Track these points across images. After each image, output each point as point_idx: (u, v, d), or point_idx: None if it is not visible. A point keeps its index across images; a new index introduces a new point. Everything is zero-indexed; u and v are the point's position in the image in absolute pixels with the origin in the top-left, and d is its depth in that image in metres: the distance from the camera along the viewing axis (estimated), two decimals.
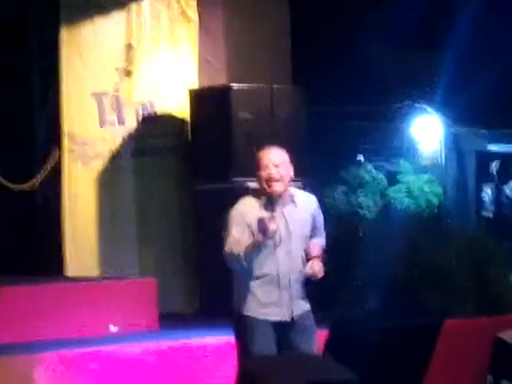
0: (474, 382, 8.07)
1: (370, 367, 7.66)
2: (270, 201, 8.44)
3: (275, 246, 8.46)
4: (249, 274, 8.54)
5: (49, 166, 12.95)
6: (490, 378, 7.91)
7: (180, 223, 13.15)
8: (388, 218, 13.03)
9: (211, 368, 9.85)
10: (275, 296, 8.51)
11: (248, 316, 8.50)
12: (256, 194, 8.67)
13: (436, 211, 13.87)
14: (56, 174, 12.93)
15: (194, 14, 13.36)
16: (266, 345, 8.37)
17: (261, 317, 8.44)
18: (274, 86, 12.73)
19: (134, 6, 13.31)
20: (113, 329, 11.75)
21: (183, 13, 13.35)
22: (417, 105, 14.71)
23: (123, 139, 13.14)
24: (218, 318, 11.38)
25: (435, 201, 13.83)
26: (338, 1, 13.82)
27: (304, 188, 9.10)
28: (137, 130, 13.18)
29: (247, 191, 10.40)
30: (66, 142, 12.94)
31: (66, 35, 13.13)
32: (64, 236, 12.81)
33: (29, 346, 9.59)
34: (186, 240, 13.07)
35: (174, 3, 13.42)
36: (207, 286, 12.66)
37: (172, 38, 13.39)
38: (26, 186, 12.75)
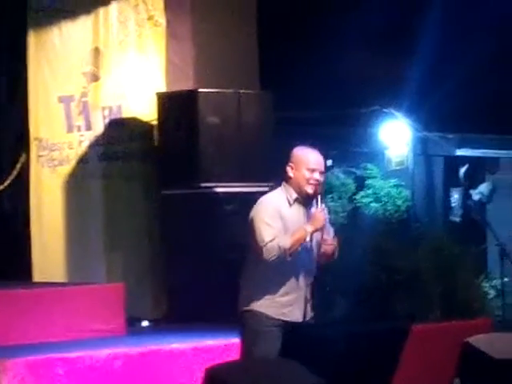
0: None
1: (336, 372, 7.52)
2: (303, 200, 8.53)
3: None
4: (274, 268, 8.44)
5: (15, 171, 12.97)
6: (457, 381, 7.95)
7: (147, 228, 13.06)
8: (356, 223, 13.18)
9: (178, 374, 9.81)
10: (293, 296, 8.50)
11: (258, 311, 8.44)
12: (285, 189, 8.63)
13: (404, 216, 13.98)
14: (23, 179, 13.01)
15: (161, 18, 13.28)
16: (272, 343, 8.30)
17: (275, 315, 8.39)
18: (241, 90, 12.73)
19: (101, 11, 13.30)
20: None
21: (151, 17, 13.27)
22: (385, 110, 14.84)
23: (90, 144, 13.15)
24: (186, 323, 11.83)
25: (403, 205, 14.10)
26: (305, 6, 13.81)
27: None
28: (104, 134, 13.15)
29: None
30: (33, 147, 13.06)
31: (32, 39, 13.22)
32: (31, 241, 12.90)
33: None
34: (153, 245, 13.02)
35: (141, 8, 13.35)
36: (174, 290, 12.59)
37: (139, 42, 13.34)
38: (4, 189, 12.83)
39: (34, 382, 9.13)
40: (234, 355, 9.14)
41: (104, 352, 9.87)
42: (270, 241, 8.27)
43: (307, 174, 8.44)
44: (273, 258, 8.27)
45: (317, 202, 8.53)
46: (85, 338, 10.70)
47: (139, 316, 12.15)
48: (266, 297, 8.43)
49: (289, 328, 8.38)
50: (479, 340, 8.26)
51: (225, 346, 10.01)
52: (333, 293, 10.47)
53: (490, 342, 8.28)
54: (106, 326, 11.16)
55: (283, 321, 8.40)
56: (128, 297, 11.63)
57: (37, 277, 12.70)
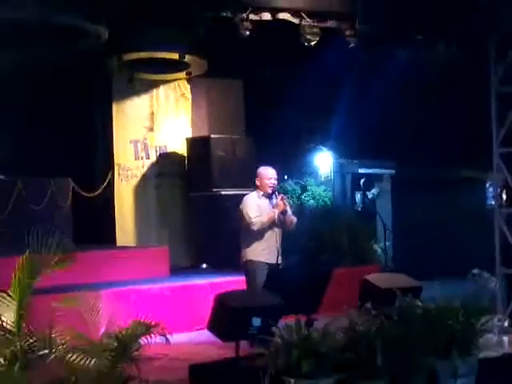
0: (349, 305, 7.84)
1: (290, 294, 7.42)
2: (266, 195, 8.67)
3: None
4: (257, 233, 8.56)
5: (105, 183, 12.69)
6: (359, 302, 7.33)
7: (182, 214, 13.05)
8: (302, 212, 12.73)
9: (201, 298, 9.64)
10: (270, 249, 8.61)
11: (254, 260, 8.57)
12: (257, 191, 8.74)
13: (329, 207, 13.82)
14: (110, 187, 12.80)
15: (188, 95, 13.30)
16: (262, 275, 8.38)
17: (262, 260, 8.56)
18: (234, 136, 12.74)
19: (155, 90, 13.14)
20: (204, 266, 12.28)
21: (182, 95, 13.26)
22: (318, 147, 14.60)
23: (148, 167, 13.09)
24: (205, 269, 12.06)
25: (328, 201, 13.93)
26: (271, 92, 13.26)
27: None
28: (156, 162, 13.11)
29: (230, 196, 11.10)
30: (116, 169, 12.85)
31: (115, 105, 12.91)
32: (116, 222, 12.78)
33: (94, 286, 9.19)
34: (185, 223, 12.98)
35: (177, 89, 13.24)
36: (198, 249, 12.59)
37: (176, 108, 13.28)
38: (92, 194, 12.41)
39: (117, 305, 8.68)
40: (233, 287, 8.95)
41: (157, 285, 9.98)
42: (254, 218, 8.49)
43: (267, 182, 8.66)
44: (256, 228, 8.50)
45: (276, 196, 8.67)
46: (147, 278, 10.50)
47: (177, 264, 11.89)
48: (255, 250, 8.60)
49: (269, 267, 8.52)
50: (372, 277, 8.37)
51: (227, 282, 9.88)
52: (290, 249, 9.85)
53: (378, 279, 8.35)
54: (158, 271, 11.04)
55: (266, 263, 8.55)
56: (170, 253, 11.56)
57: (119, 243, 12.58)
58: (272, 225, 8.63)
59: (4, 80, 11.16)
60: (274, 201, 8.66)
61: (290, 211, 8.73)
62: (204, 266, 12.37)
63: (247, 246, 8.64)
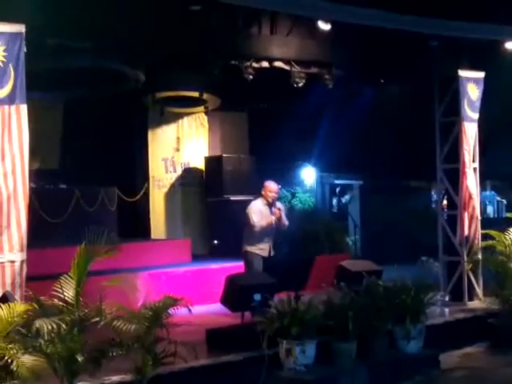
0: (328, 284, 7.80)
1: (282, 278, 7.29)
2: (269, 203, 8.46)
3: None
4: (258, 232, 8.40)
5: (143, 190, 12.64)
6: (334, 282, 7.41)
7: (201, 215, 12.87)
8: (292, 214, 12.24)
9: (214, 279, 9.41)
10: (265, 245, 8.45)
11: (251, 251, 8.44)
12: (261, 199, 8.52)
13: (312, 210, 13.63)
14: (147, 193, 12.73)
15: (206, 124, 13.16)
16: (257, 266, 8.31)
17: (258, 252, 8.44)
18: (241, 155, 12.63)
19: (180, 120, 12.99)
20: (215, 242, 12.08)
21: (202, 124, 13.14)
22: (304, 164, 14.43)
23: (175, 179, 12.94)
24: (219, 256, 11.59)
25: (312, 205, 13.72)
26: (266, 117, 13.01)
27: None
28: (181, 174, 12.96)
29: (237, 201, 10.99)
30: (151, 180, 12.78)
31: (151, 130, 12.77)
32: (150, 221, 12.69)
33: (134, 269, 9.16)
34: (203, 222, 12.82)
35: (197, 119, 13.09)
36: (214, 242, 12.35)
37: (197, 134, 13.14)
38: (133, 199, 12.36)
39: (151, 284, 8.84)
40: (240, 271, 8.79)
41: (182, 269, 9.91)
42: (256, 222, 8.35)
43: (269, 194, 8.47)
44: (256, 230, 8.37)
45: (275, 205, 8.47)
46: (173, 263, 10.37)
47: (197, 253, 11.79)
48: (253, 244, 8.47)
49: (263, 258, 8.42)
50: (345, 263, 8.29)
51: (235, 267, 9.55)
52: (280, 244, 9.76)
53: (349, 264, 8.28)
54: (183, 257, 10.96)
55: (261, 255, 8.42)
56: (192, 244, 11.50)
57: (152, 236, 12.46)
58: (269, 226, 8.47)
59: (70, 111, 11.62)
60: (273, 209, 8.45)
61: (284, 217, 8.52)
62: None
63: (247, 240, 8.49)
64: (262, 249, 8.44)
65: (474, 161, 9.38)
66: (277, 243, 8.78)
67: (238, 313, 7.11)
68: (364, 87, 11.43)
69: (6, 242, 5.86)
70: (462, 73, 9.26)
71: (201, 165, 13.00)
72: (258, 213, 8.42)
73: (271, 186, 8.56)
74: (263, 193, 8.56)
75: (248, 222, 8.43)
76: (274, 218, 8.42)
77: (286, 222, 8.54)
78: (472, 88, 9.26)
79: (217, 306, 7.74)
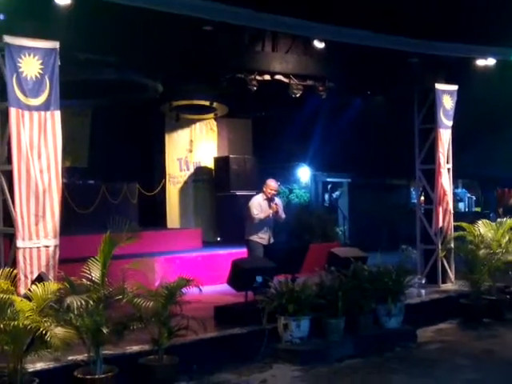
0: (320, 268, 7.66)
1: (281, 262, 7.26)
2: (268, 199, 8.38)
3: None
4: (258, 223, 8.31)
5: (160, 186, 12.54)
6: (326, 266, 7.31)
7: (211, 208, 12.68)
8: (290, 206, 12.56)
9: (223, 264, 8.96)
10: (265, 234, 8.36)
11: (252, 240, 8.35)
12: (262, 194, 8.43)
13: (307, 204, 13.53)
14: (163, 189, 12.63)
15: (215, 128, 13.02)
16: (258, 253, 8.23)
17: (258, 240, 8.35)
18: (245, 156, 12.49)
19: (193, 125, 12.80)
20: (219, 239, 11.95)
21: (211, 128, 13.01)
22: (300, 163, 14.28)
23: (188, 176, 12.82)
24: (226, 244, 11.44)
25: (307, 200, 13.63)
26: (268, 123, 12.85)
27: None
28: (194, 172, 12.83)
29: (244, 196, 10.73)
30: (167, 177, 12.71)
31: (167, 134, 12.69)
32: (167, 212, 12.59)
33: (152, 254, 9.11)
34: (212, 213, 12.64)
35: (207, 124, 12.96)
36: (221, 230, 12.29)
37: (207, 137, 13.00)
38: (151, 194, 12.29)
39: (166, 267, 8.61)
40: (244, 256, 8.61)
41: (194, 254, 9.81)
42: (256, 214, 8.28)
43: (269, 191, 8.38)
44: (256, 221, 8.30)
45: (273, 200, 8.38)
46: (186, 249, 10.30)
47: (207, 240, 11.57)
48: (254, 234, 8.37)
49: (263, 245, 8.33)
50: (335, 250, 8.28)
51: (239, 252, 9.27)
52: (279, 233, 9.38)
53: (339, 251, 8.25)
54: (194, 244, 10.86)
55: (262, 243, 8.33)
56: (202, 233, 11.41)
57: (168, 226, 12.37)
58: (267, 218, 8.41)
59: (97, 117, 11.59)
60: (272, 204, 8.38)
61: (280, 211, 8.43)
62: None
63: (249, 229, 8.44)
64: (262, 237, 8.36)
65: (447, 162, 9.42)
66: (276, 232, 8.72)
67: (242, 292, 7.08)
68: (353, 98, 11.46)
69: (42, 230, 5.97)
70: (439, 86, 9.30)
71: (210, 164, 12.93)
72: (258, 207, 8.35)
73: (272, 184, 8.47)
74: (264, 189, 8.51)
75: (249, 214, 8.37)
76: (271, 211, 8.35)
77: (282, 215, 8.48)
78: (447, 99, 9.30)
79: (224, 287, 7.70)
